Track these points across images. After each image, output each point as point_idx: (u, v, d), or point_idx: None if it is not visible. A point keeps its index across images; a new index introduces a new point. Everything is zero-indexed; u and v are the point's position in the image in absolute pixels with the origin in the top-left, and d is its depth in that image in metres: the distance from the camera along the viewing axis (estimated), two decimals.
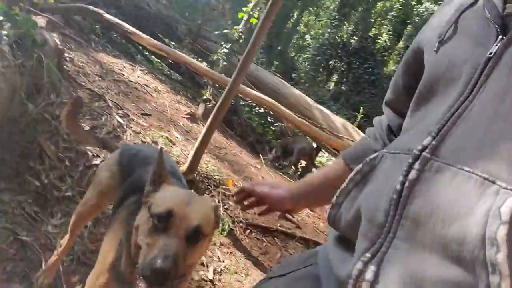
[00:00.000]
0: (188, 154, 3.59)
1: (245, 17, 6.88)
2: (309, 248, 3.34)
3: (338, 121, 6.35)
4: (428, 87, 0.73)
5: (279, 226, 3.41)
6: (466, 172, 0.58)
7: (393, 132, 0.95)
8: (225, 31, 6.19)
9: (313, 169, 6.24)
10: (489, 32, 0.66)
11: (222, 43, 6.15)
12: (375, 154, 0.77)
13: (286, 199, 1.05)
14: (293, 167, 6.59)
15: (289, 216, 3.58)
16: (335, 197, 0.79)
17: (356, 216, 0.72)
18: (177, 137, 3.97)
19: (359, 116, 8.21)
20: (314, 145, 6.41)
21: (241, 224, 3.21)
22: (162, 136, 3.69)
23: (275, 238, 3.27)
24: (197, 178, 3.30)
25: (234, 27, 6.69)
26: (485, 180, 0.56)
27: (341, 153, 1.05)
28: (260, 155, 5.43)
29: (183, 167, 3.16)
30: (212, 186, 3.35)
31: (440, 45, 0.72)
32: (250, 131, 6.78)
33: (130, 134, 3.46)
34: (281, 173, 5.40)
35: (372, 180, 0.75)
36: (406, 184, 0.63)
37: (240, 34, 6.66)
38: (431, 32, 0.79)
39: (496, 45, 0.63)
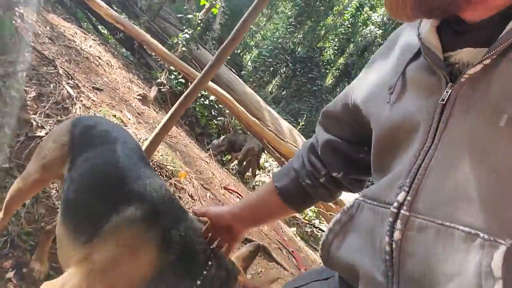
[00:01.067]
0: (140, 139, 3.37)
1: (207, 5, 6.71)
2: None
3: (285, 125, 6.39)
4: (389, 139, 0.74)
5: None
6: (448, 228, 0.59)
7: (315, 150, 0.98)
8: (189, 16, 5.93)
9: (256, 170, 6.21)
10: (437, 79, 0.67)
11: (184, 27, 5.88)
12: (351, 203, 0.78)
13: (226, 213, 1.09)
14: (236, 165, 6.50)
15: None
16: (320, 249, 0.82)
17: (351, 269, 0.74)
18: (129, 119, 3.72)
19: (297, 127, 8.33)
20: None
21: None
22: (114, 115, 3.42)
23: None
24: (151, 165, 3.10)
25: (195, 13, 6.46)
26: (467, 234, 0.57)
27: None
28: (211, 149, 5.29)
29: None
30: (164, 176, 3.17)
31: (392, 97, 0.74)
32: (194, 122, 6.59)
33: (80, 108, 3.15)
34: (227, 170, 5.31)
35: (354, 230, 0.76)
36: (393, 245, 0.64)
37: (199, 21, 6.47)
38: (372, 86, 0.81)
39: (447, 91, 0.64)
